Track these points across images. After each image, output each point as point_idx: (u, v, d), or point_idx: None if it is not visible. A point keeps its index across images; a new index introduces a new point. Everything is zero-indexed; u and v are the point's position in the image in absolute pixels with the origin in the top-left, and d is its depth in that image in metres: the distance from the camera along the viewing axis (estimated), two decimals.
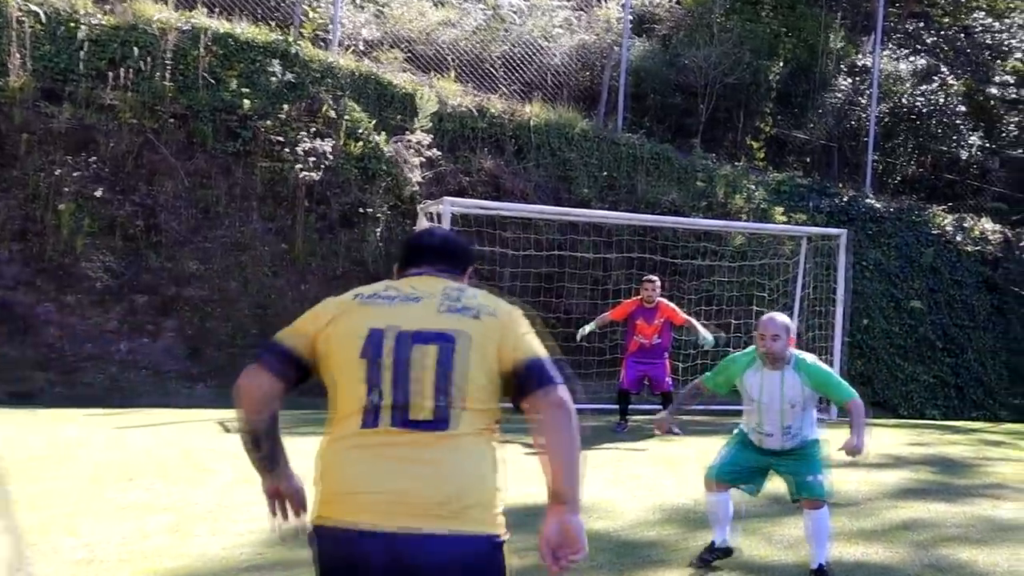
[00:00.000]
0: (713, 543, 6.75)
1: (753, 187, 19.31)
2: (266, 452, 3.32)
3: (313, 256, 15.55)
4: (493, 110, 17.83)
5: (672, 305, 12.93)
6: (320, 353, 3.19)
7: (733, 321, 17.20)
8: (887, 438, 13.24)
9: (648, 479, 9.56)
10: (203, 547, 6.65)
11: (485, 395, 3.13)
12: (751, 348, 6.63)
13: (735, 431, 6.95)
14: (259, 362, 3.24)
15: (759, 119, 22.04)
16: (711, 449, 11.39)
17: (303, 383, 3.27)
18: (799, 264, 16.98)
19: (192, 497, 7.95)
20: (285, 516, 3.41)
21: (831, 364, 15.94)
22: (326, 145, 15.55)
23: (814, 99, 22.39)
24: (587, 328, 13.02)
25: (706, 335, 12.85)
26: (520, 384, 3.12)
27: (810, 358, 6.54)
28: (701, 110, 20.85)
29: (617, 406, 13.01)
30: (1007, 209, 23.26)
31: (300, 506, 3.39)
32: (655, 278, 13.02)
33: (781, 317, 6.47)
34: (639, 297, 12.81)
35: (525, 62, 19.37)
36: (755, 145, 21.10)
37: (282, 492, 3.41)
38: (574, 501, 3.03)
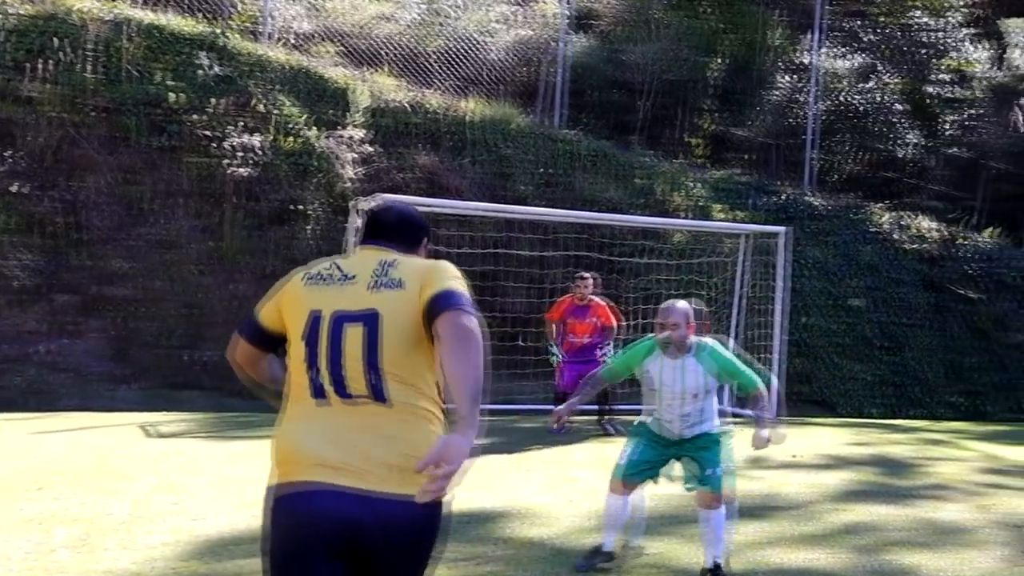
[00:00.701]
0: (601, 546, 6.56)
1: (693, 185, 19.18)
2: (274, 388, 3.63)
3: (243, 254, 15.18)
4: (429, 106, 17.53)
5: (607, 304, 12.68)
6: (282, 328, 3.51)
7: None
8: (828, 438, 13.16)
9: (585, 483, 9.32)
10: (112, 562, 6.33)
11: (413, 364, 3.29)
12: (652, 336, 6.49)
13: (634, 426, 6.72)
14: (239, 333, 3.67)
15: (699, 116, 21.94)
16: None
17: (276, 349, 3.63)
18: (739, 262, 16.86)
19: (105, 507, 7.62)
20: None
21: (771, 363, 15.87)
22: (257, 140, 15.20)
23: (754, 97, 22.31)
24: (554, 351, 12.71)
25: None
26: (430, 311, 3.22)
27: (712, 343, 6.41)
28: (641, 107, 20.70)
29: (553, 408, 12.74)
30: (944, 208, 23.33)
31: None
32: (588, 275, 12.75)
33: (682, 304, 6.34)
34: (572, 295, 12.56)
35: (462, 57, 19.10)
36: (695, 142, 21.02)
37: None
38: (465, 420, 3.03)
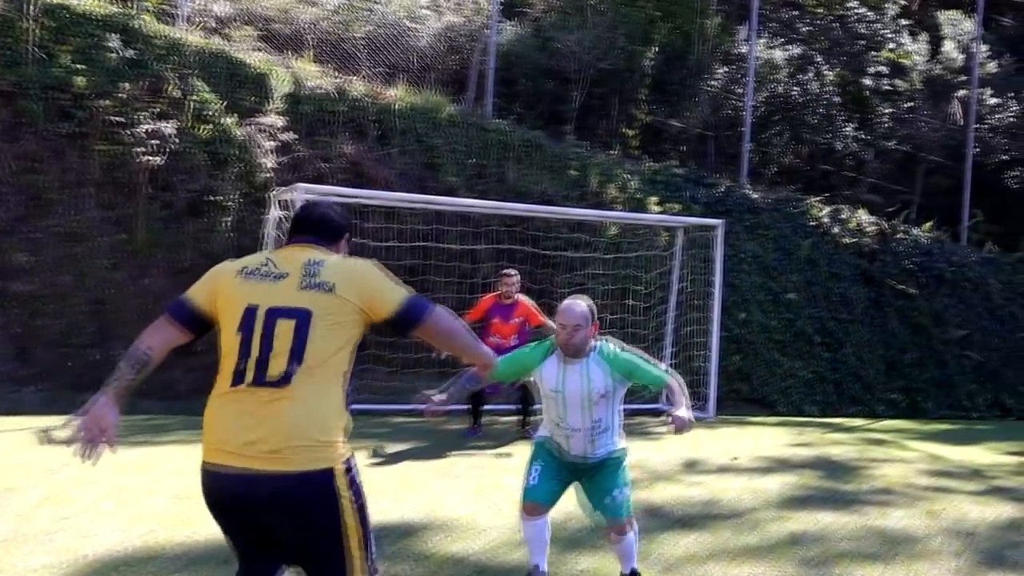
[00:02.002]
0: (536, 567, 5.99)
1: (628, 176, 18.75)
2: (136, 382, 3.88)
3: (157, 247, 14.48)
4: (354, 93, 16.91)
5: (531, 303, 12.03)
6: (215, 316, 3.92)
7: (608, 316, 16.59)
8: (768, 439, 12.78)
9: (515, 490, 8.71)
10: None
11: (332, 358, 3.80)
12: (550, 337, 5.96)
13: (535, 444, 6.17)
14: (172, 316, 3.96)
15: (634, 107, 21.53)
16: None
17: (205, 334, 3.99)
18: (676, 256, 16.47)
19: None
20: (91, 443, 3.86)
21: (708, 360, 15.50)
22: (170, 127, 14.47)
23: (690, 87, 21.96)
24: None
25: None
26: (402, 326, 3.92)
27: (614, 344, 5.89)
28: (574, 96, 20.26)
29: (469, 407, 12.16)
30: (882, 202, 23.19)
31: (110, 439, 3.87)
32: (513, 271, 12.07)
33: (582, 304, 5.78)
34: (496, 292, 11.94)
35: (390, 44, 18.51)
36: (630, 133, 20.58)
37: (109, 417, 3.81)
38: (486, 358, 4.27)
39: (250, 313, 3.79)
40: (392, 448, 10.68)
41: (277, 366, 3.71)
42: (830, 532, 7.81)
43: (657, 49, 21.78)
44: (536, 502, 5.91)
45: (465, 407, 12.08)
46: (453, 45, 19.64)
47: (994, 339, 21.37)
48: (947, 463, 11.57)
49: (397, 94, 17.43)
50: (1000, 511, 8.89)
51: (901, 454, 12.11)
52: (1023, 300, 22.21)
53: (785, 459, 11.10)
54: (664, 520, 7.91)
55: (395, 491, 8.38)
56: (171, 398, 13.30)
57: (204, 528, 6.83)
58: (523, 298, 11.92)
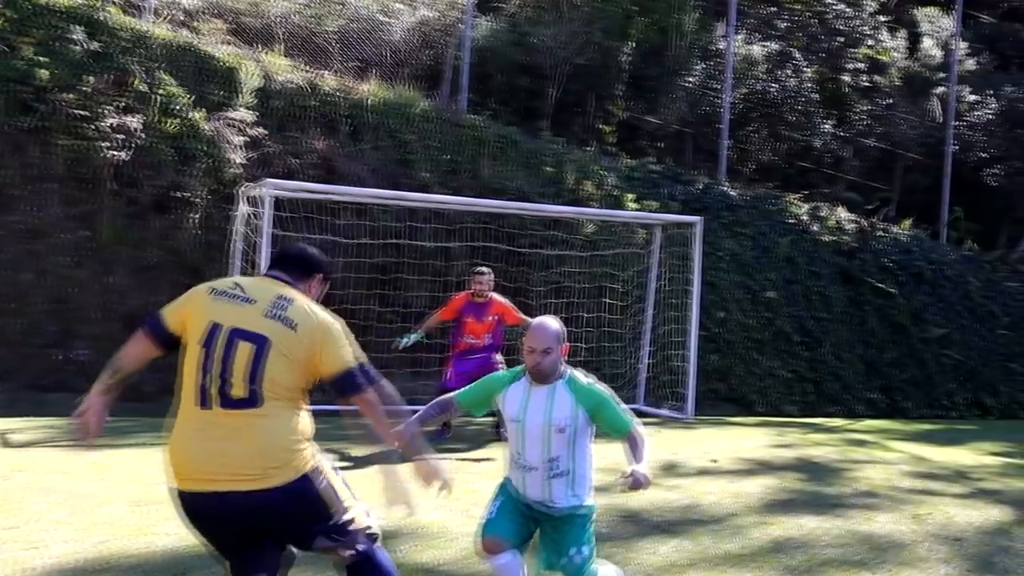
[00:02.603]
0: None
1: (604, 173, 18.49)
2: (114, 382, 4.33)
3: (121, 245, 14.13)
4: (326, 87, 16.60)
5: (506, 301, 11.71)
6: (184, 332, 4.27)
7: (584, 315, 16.37)
8: (747, 440, 12.54)
9: (487, 495, 8.45)
10: None
11: (289, 388, 4.21)
12: (519, 367, 5.47)
13: (499, 484, 5.65)
14: (146, 329, 4.37)
15: (610, 103, 21.28)
16: None
17: (175, 350, 4.35)
18: (653, 254, 16.24)
19: None
20: (86, 431, 4.30)
21: (687, 359, 15.26)
22: (136, 122, 14.13)
23: (667, 83, 21.72)
24: (411, 337, 11.61)
25: None
26: (339, 390, 4.31)
27: (584, 377, 5.36)
28: (549, 92, 20.00)
29: None
30: (860, 200, 23.03)
31: (97, 430, 4.32)
32: (486, 269, 11.70)
33: (553, 325, 5.30)
34: (469, 291, 11.61)
35: (362, 38, 18.21)
36: (606, 130, 20.32)
37: (100, 409, 4.31)
38: (413, 447, 4.64)
39: (215, 329, 4.19)
40: (360, 451, 10.39)
41: (239, 386, 4.13)
42: (814, 538, 7.58)
43: (634, 45, 21.56)
44: (496, 536, 5.32)
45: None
46: (427, 40, 19.36)
47: (973, 338, 21.24)
48: (930, 464, 11.38)
49: (369, 89, 17.14)
50: (987, 515, 8.69)
51: (883, 455, 11.91)
52: (1002, 298, 22.09)
53: (766, 461, 10.88)
54: (642, 526, 7.66)
55: (363, 496, 8.07)
56: (136, 399, 12.86)
57: (161, 538, 6.56)
58: (497, 296, 11.61)
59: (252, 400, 4.11)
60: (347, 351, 4.34)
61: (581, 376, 5.36)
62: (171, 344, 4.36)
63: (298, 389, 4.27)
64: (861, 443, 12.99)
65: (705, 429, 13.59)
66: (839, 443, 12.85)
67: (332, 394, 4.36)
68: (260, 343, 4.13)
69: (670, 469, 10.11)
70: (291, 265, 4.53)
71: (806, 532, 7.73)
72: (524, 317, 11.46)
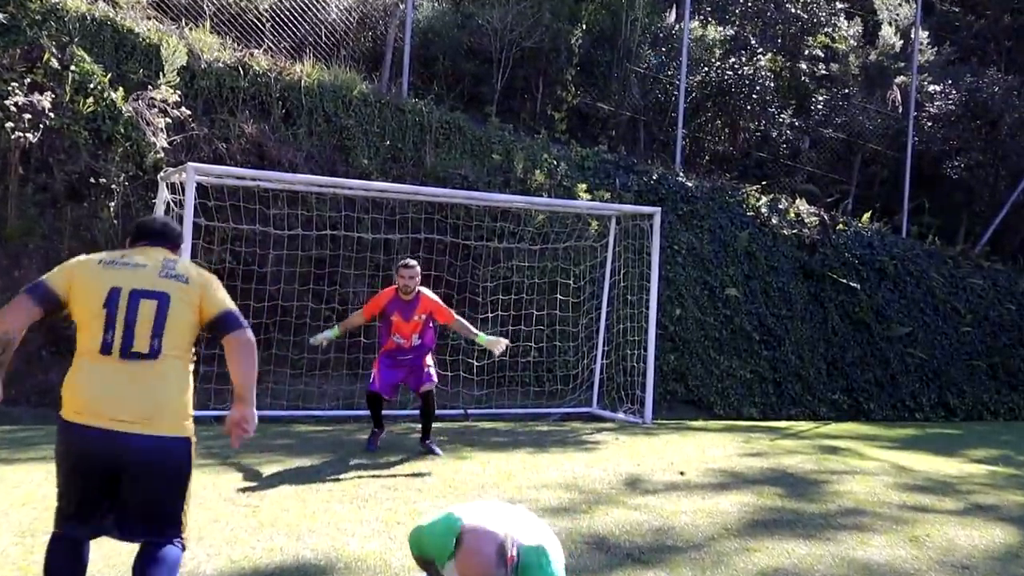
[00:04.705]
0: None
1: (555, 162, 17.63)
2: (4, 359, 4.66)
3: (31, 235, 13.13)
4: (257, 67, 15.64)
5: (435, 298, 10.53)
6: (71, 299, 4.73)
7: (535, 312, 15.54)
8: (713, 448, 11.71)
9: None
10: None
11: (186, 337, 4.81)
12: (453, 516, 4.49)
13: None
14: (28, 293, 4.71)
15: (560, 88, 20.46)
16: (515, 471, 9.61)
17: (56, 315, 4.83)
18: (608, 247, 15.43)
19: None
20: None
21: (644, 360, 14.48)
22: (46, 100, 13.07)
23: (619, 69, 20.94)
24: (326, 334, 10.51)
25: (483, 336, 10.48)
26: (217, 329, 4.86)
27: (542, 555, 4.28)
28: (496, 76, 19.16)
29: (369, 414, 10.71)
30: (818, 192, 22.43)
31: None
32: (413, 262, 10.42)
33: (490, 547, 4.08)
34: (394, 287, 10.53)
35: (296, 16, 17.25)
36: (557, 116, 19.49)
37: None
38: (249, 399, 4.82)
39: (115, 293, 4.67)
40: (292, 463, 9.48)
41: (142, 340, 4.64)
42: (806, 567, 6.77)
43: (584, 27, 20.77)
44: None
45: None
46: (366, 19, 18.50)
47: (937, 336, 20.68)
48: (913, 475, 10.64)
49: (304, 70, 16.19)
50: (991, 536, 7.93)
51: (861, 464, 11.15)
52: (966, 295, 21.54)
53: (738, 473, 10.08)
54: (611, 555, 6.81)
55: (292, 521, 7.16)
56: (46, 404, 11.93)
57: None
58: (426, 292, 10.50)
59: (151, 354, 4.63)
60: (227, 296, 4.95)
61: (535, 558, 4.27)
62: (54, 306, 4.72)
63: (189, 344, 4.83)
64: (834, 450, 12.23)
65: (666, 435, 12.76)
66: (811, 451, 12.07)
67: (210, 333, 4.91)
68: (162, 299, 4.70)
69: (634, 484, 9.28)
70: (163, 235, 5.07)
71: (796, 561, 6.92)
72: (456, 317, 10.56)
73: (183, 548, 4.81)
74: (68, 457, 4.65)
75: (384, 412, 10.67)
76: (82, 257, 4.87)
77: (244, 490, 8.09)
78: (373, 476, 9.04)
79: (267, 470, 9.06)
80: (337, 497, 8.08)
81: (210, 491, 7.87)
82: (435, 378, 10.48)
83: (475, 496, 8.32)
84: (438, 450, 10.22)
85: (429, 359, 10.47)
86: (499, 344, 10.39)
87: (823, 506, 8.70)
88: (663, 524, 7.72)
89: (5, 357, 4.60)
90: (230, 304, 4.91)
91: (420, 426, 10.63)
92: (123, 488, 4.62)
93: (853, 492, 9.39)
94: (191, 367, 4.85)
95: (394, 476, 9.08)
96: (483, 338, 10.45)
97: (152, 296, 4.67)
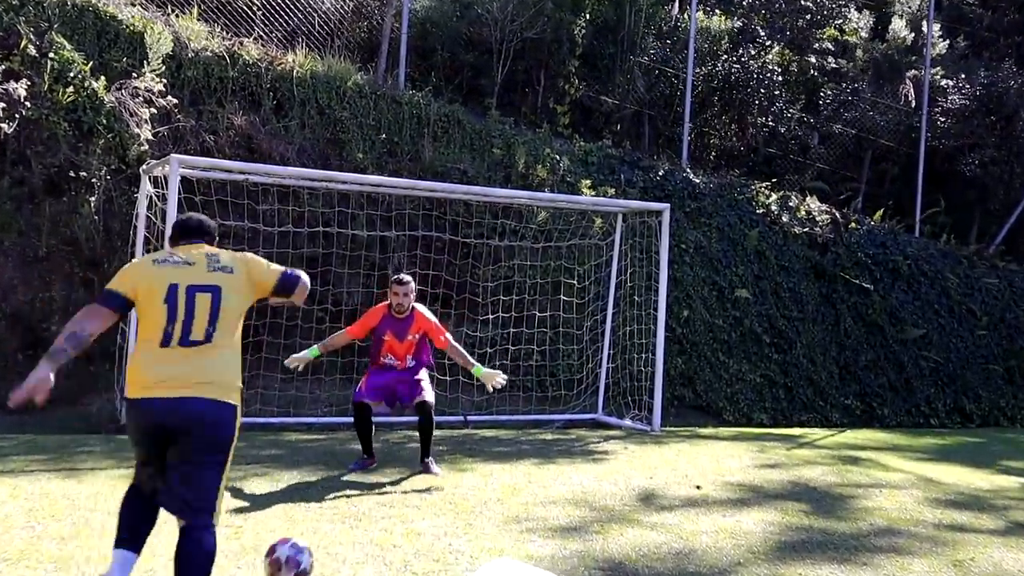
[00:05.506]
0: None
1: (557, 157, 17.02)
2: (69, 357, 5.11)
3: (7, 232, 12.55)
4: (247, 57, 15.04)
5: (432, 317, 9.80)
6: (137, 298, 5.25)
7: (537, 313, 14.95)
8: (728, 459, 11.10)
9: (430, 539, 6.96)
10: None
11: (236, 321, 5.37)
12: None
13: None
14: (106, 305, 5.24)
15: (563, 81, 19.83)
16: (519, 485, 8.99)
17: (127, 313, 5.40)
18: (614, 245, 14.83)
19: None
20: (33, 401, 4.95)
21: (652, 364, 13.90)
22: (22, 88, 12.45)
23: (622, 61, 20.32)
24: (304, 355, 9.65)
25: (479, 368, 9.74)
26: (285, 288, 5.58)
27: None
28: (497, 68, 18.55)
29: (355, 429, 9.87)
30: (828, 190, 21.83)
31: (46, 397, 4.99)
32: (408, 278, 9.74)
33: None
34: (386, 303, 9.83)
35: (289, 4, 16.63)
36: (559, 110, 18.88)
37: (46, 382, 4.92)
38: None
39: (173, 289, 5.21)
40: (281, 477, 8.86)
41: (199, 329, 5.18)
42: None
43: (588, 17, 20.17)
44: None
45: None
46: (362, 8, 17.88)
47: (952, 339, 20.10)
48: (943, 489, 10.04)
49: (297, 60, 15.58)
50: None
51: (886, 476, 10.55)
52: (981, 296, 20.95)
53: (757, 487, 9.48)
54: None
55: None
56: (22, 410, 11.29)
57: None
58: (421, 310, 9.79)
59: (206, 339, 5.18)
60: (269, 263, 5.59)
61: None
62: (127, 311, 5.34)
63: (238, 326, 5.39)
64: (854, 461, 11.63)
65: (677, 444, 12.17)
66: (831, 461, 11.47)
67: (281, 294, 5.61)
68: (215, 292, 5.25)
69: (649, 499, 8.67)
70: (201, 232, 5.63)
71: None
72: (455, 345, 9.87)
73: (215, 539, 5.12)
74: (137, 429, 5.25)
75: (379, 420, 10.01)
76: (136, 260, 5.81)
77: (227, 509, 7.47)
78: (367, 492, 8.41)
79: (253, 485, 8.45)
80: (328, 516, 7.46)
81: None
82: (432, 395, 9.76)
83: (477, 514, 7.72)
84: (437, 469, 9.51)
85: (424, 372, 9.82)
86: (495, 378, 9.65)
87: (854, 525, 8.09)
88: (684, 547, 7.10)
89: (72, 355, 5.11)
90: (277, 268, 5.58)
91: (418, 437, 9.92)
92: (172, 450, 5.14)
93: (883, 508, 8.79)
94: (239, 345, 5.41)
95: (390, 492, 8.45)
96: (479, 370, 9.72)
97: (206, 290, 5.25)
